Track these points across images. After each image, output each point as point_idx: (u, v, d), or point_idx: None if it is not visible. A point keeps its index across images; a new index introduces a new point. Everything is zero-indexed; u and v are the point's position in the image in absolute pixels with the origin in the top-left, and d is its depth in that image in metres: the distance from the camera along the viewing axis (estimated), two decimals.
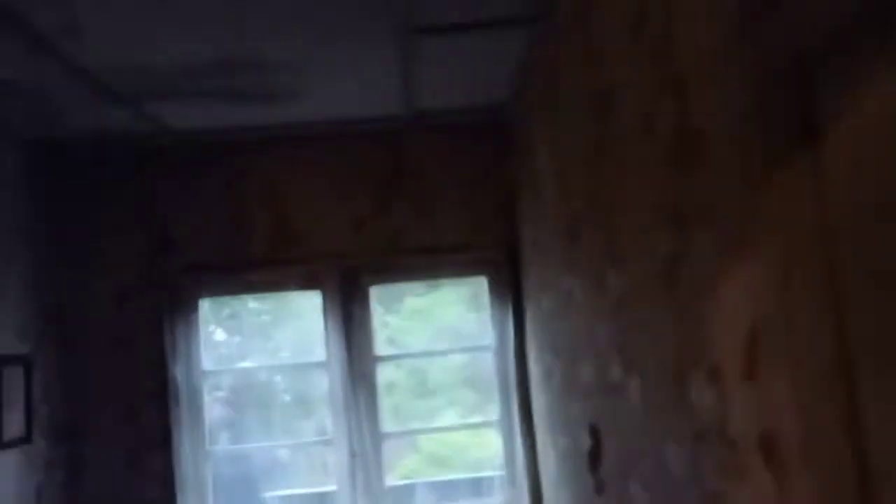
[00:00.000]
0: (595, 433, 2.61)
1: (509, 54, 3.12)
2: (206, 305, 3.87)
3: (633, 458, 2.19)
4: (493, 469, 4.00)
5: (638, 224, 1.98)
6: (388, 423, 3.88)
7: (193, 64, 2.88)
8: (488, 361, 4.03)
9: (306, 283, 3.93)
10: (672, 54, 1.62)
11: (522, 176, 3.67)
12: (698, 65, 1.49)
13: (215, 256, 3.81)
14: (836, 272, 1.05)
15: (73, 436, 3.63)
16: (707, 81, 1.45)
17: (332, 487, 3.79)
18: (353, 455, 3.75)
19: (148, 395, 3.68)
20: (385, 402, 3.96)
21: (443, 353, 4.33)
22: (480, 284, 4.09)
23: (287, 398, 4.23)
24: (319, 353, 3.87)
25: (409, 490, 4.11)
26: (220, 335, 4.14)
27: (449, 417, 5.90)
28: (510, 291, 3.91)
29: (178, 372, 3.71)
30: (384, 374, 3.97)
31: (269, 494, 3.94)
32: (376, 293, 3.98)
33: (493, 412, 4.02)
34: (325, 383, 3.88)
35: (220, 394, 3.98)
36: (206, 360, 3.85)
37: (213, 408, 3.87)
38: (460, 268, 4.02)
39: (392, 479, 3.85)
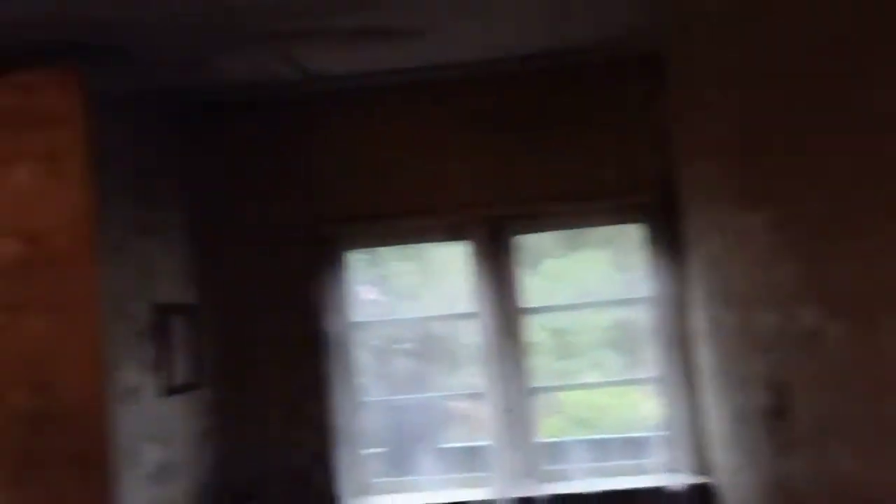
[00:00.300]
0: (780, 388, 2.34)
1: None
2: (352, 264, 3.87)
3: (834, 415, 1.92)
4: (649, 429, 3.77)
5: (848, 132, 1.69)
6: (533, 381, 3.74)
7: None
8: (640, 317, 3.79)
9: (452, 234, 3.83)
10: None
11: (682, 110, 3.37)
12: None
13: (361, 207, 3.79)
14: None
15: (235, 383, 3.76)
16: None
17: (484, 442, 3.72)
18: (504, 410, 3.65)
19: (303, 345, 3.74)
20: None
21: (593, 305, 4.10)
22: (627, 241, 3.84)
23: (436, 351, 4.18)
24: (467, 306, 3.78)
25: (560, 447, 3.97)
26: (367, 294, 4.14)
27: (591, 378, 5.67)
28: (668, 238, 3.63)
29: (329, 323, 3.74)
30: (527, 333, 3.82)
31: (423, 446, 3.92)
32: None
33: (647, 370, 3.78)
34: (475, 337, 3.79)
35: (371, 345, 3.99)
36: (356, 314, 3.86)
37: (365, 359, 3.88)
38: (612, 215, 3.78)
39: (540, 437, 3.72)
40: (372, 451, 3.83)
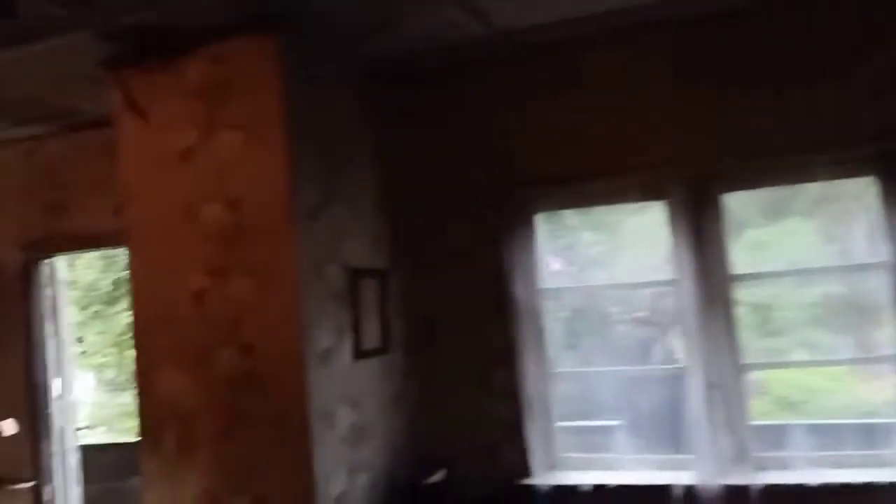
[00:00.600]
0: None
1: None
2: (542, 229, 3.70)
3: None
4: (886, 416, 3.27)
5: None
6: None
7: None
8: (866, 287, 3.30)
9: (648, 194, 3.53)
10: None
11: None
12: None
13: (553, 169, 3.59)
14: None
15: (424, 348, 3.73)
16: None
17: (654, 420, 3.42)
18: (710, 386, 3.32)
19: (491, 311, 3.63)
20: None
21: (806, 273, 3.63)
22: (847, 200, 3.34)
23: (631, 321, 3.91)
24: (665, 272, 3.48)
25: (774, 432, 3.56)
26: (555, 263, 3.94)
27: (801, 357, 5.09)
28: None
29: (516, 289, 3.59)
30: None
31: (614, 422, 3.69)
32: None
33: (879, 348, 3.29)
34: (674, 305, 3.48)
35: (562, 314, 3.79)
36: (545, 281, 3.68)
37: (555, 328, 3.69)
38: (835, 168, 3.29)
39: (751, 419, 3.35)
40: (563, 424, 3.65)
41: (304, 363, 2.95)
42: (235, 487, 2.98)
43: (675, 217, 3.45)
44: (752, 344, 3.87)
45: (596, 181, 3.53)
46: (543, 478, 3.48)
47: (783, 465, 3.29)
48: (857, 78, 3.19)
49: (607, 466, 3.54)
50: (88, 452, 5.63)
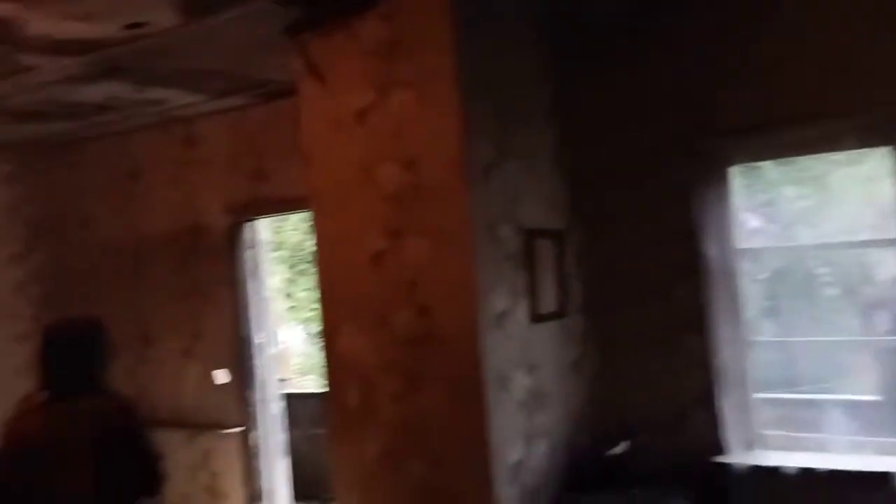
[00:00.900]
0: None
1: None
2: (736, 184, 3.33)
3: None
4: None
5: None
6: None
7: None
8: None
9: (867, 140, 3.05)
10: None
11: None
12: None
13: (748, 116, 3.21)
14: None
15: (605, 312, 3.53)
16: None
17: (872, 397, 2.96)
18: None
19: (678, 271, 3.35)
20: None
21: None
22: None
23: (840, 285, 3.44)
24: (886, 230, 3.00)
25: None
26: (752, 220, 3.55)
27: None
28: None
29: (708, 248, 3.28)
30: None
31: (824, 397, 3.28)
32: None
33: None
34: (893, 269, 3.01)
35: (761, 276, 3.42)
36: (740, 240, 3.33)
37: (752, 291, 3.33)
38: None
39: None
40: (763, 396, 3.31)
41: (480, 326, 2.89)
42: (412, 449, 3.01)
43: None
44: None
45: (801, 127, 3.10)
46: (739, 456, 3.19)
47: None
48: None
49: (815, 448, 3.18)
50: (293, 401, 6.07)
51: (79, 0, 2.95)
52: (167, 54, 3.70)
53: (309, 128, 3.32)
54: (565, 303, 3.41)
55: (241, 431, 4.88)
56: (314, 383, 9.94)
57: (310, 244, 10.40)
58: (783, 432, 3.27)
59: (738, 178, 3.37)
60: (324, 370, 3.32)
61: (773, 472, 3.06)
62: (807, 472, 3.00)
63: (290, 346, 9.98)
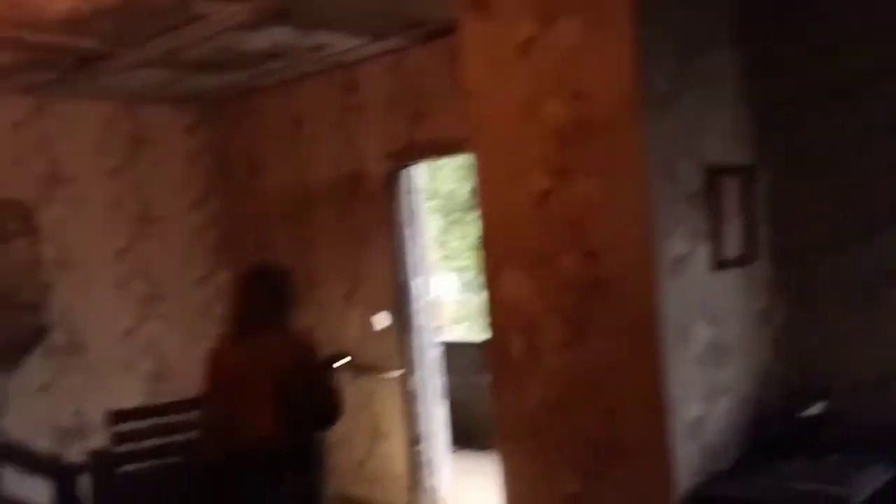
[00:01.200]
0: None
1: None
2: None
3: None
4: None
5: None
6: None
7: None
8: None
9: None
10: None
11: None
12: None
13: None
14: None
15: (796, 258, 3.16)
16: None
17: None
18: None
19: (885, 215, 2.93)
20: None
21: None
22: None
23: None
24: None
25: None
26: None
27: None
28: None
29: None
30: None
31: None
32: None
33: None
34: None
35: None
36: None
37: None
38: None
39: None
40: None
41: (655, 272, 2.65)
42: (580, 400, 2.85)
43: None
44: None
45: None
46: None
47: None
48: None
49: None
50: (449, 347, 6.10)
51: None
52: None
53: (470, 64, 3.17)
54: (752, 248, 3.07)
55: (401, 375, 4.94)
56: (467, 332, 10.04)
57: (464, 192, 10.48)
58: None
59: None
60: (485, 317, 3.22)
61: None
62: None
63: (443, 295, 10.11)
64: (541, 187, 2.92)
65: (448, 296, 10.19)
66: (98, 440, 4.64)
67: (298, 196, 5.49)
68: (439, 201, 9.79)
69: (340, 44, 4.61)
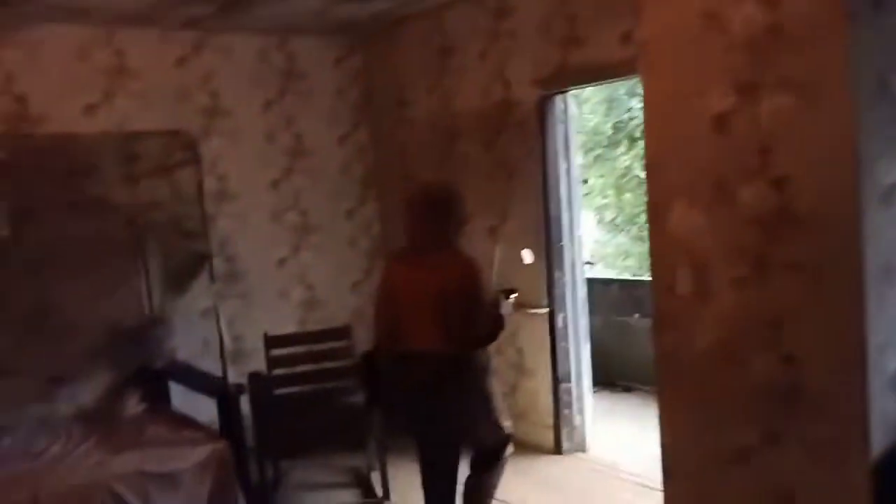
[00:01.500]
0: None
1: None
2: None
3: None
4: None
5: None
6: None
7: None
8: None
9: None
10: None
11: None
12: None
13: None
14: None
15: None
16: None
17: None
18: None
19: None
20: None
21: None
22: None
23: None
24: None
25: None
26: None
27: None
28: None
29: None
30: None
31: None
32: None
33: None
34: None
35: None
36: None
37: None
38: None
39: None
40: None
41: (859, 202, 2.30)
42: (757, 343, 2.57)
43: None
44: None
45: None
46: None
47: None
48: None
49: None
50: (594, 285, 5.87)
51: None
52: None
53: None
54: None
55: (547, 312, 4.79)
56: (608, 270, 9.70)
57: (606, 128, 10.00)
58: None
59: None
60: (649, 252, 2.98)
61: None
62: None
63: (585, 233, 9.78)
64: (721, 107, 2.60)
65: (588, 234, 9.86)
66: (255, 363, 4.85)
67: (447, 127, 5.36)
68: (582, 137, 9.38)
69: None
